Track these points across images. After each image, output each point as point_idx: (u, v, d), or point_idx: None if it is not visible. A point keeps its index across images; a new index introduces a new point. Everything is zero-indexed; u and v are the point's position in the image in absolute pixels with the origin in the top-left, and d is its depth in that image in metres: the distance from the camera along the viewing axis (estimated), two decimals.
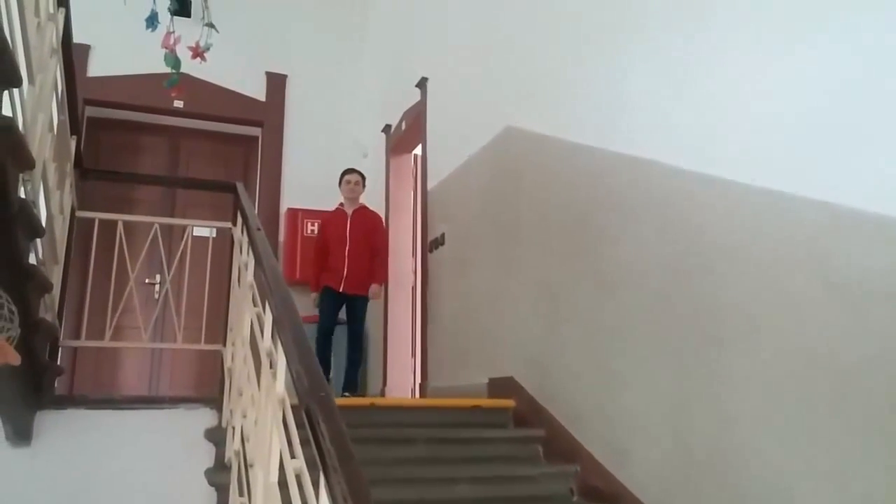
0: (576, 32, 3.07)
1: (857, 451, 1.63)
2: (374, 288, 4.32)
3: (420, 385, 4.46)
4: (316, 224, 5.70)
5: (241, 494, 1.85)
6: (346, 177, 4.49)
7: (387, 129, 5.43)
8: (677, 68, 2.39)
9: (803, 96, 1.87)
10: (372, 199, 5.69)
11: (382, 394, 4.84)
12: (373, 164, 5.54)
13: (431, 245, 4.46)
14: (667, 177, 2.38)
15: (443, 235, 4.29)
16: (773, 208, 1.92)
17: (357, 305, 4.32)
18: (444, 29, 4.63)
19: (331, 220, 4.48)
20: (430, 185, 4.56)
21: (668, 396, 2.31)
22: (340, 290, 4.25)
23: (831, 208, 1.74)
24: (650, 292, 2.43)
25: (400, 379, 4.89)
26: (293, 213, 5.74)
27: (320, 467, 1.00)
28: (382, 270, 4.51)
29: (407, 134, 5.06)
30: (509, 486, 2.61)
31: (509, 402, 3.11)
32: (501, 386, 3.28)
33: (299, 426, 1.34)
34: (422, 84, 4.72)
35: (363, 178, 4.54)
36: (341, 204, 4.51)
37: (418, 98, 4.77)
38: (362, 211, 4.47)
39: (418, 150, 5.00)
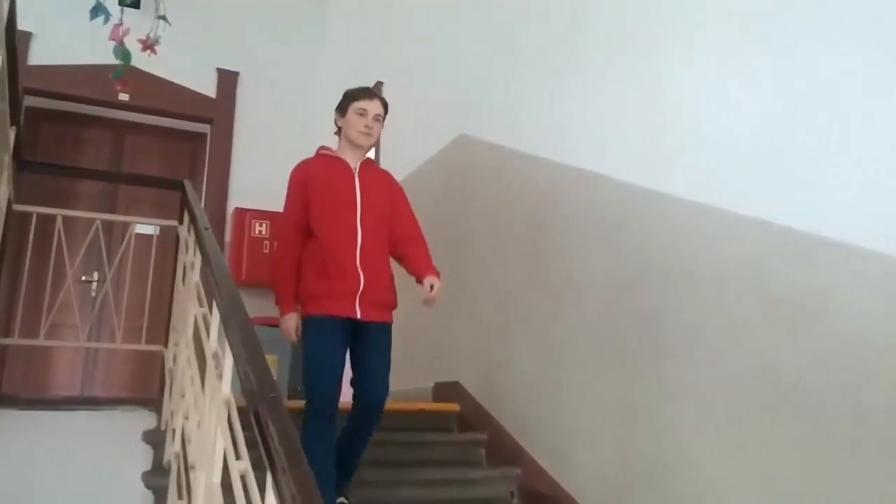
0: (529, 46, 3.12)
1: (786, 460, 1.70)
2: (432, 283, 2.38)
3: None
4: (265, 225, 5.62)
5: (180, 498, 1.82)
6: (361, 103, 2.45)
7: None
8: (631, 86, 2.46)
9: (748, 119, 1.95)
10: None
11: None
12: None
13: None
14: (618, 193, 2.44)
15: None
16: (716, 226, 2.00)
17: (376, 341, 2.35)
18: (402, 34, 4.65)
19: (321, 176, 2.46)
20: None
21: (611, 406, 2.36)
22: (356, 315, 2.29)
23: (771, 228, 1.82)
24: (598, 305, 2.48)
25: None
26: (241, 213, 5.65)
27: (268, 467, 1.00)
28: (427, 254, 2.52)
29: None
30: (451, 489, 2.63)
31: (454, 407, 3.14)
32: (447, 391, 3.30)
33: (244, 429, 1.33)
34: (377, 88, 4.71)
35: (385, 111, 2.53)
36: (328, 150, 2.56)
37: None
38: (372, 167, 2.57)
39: (371, 154, 4.99)
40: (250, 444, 1.25)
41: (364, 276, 2.32)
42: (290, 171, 2.56)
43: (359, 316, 2.30)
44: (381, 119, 2.49)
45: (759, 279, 1.84)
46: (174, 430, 2.18)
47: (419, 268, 2.44)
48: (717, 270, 1.98)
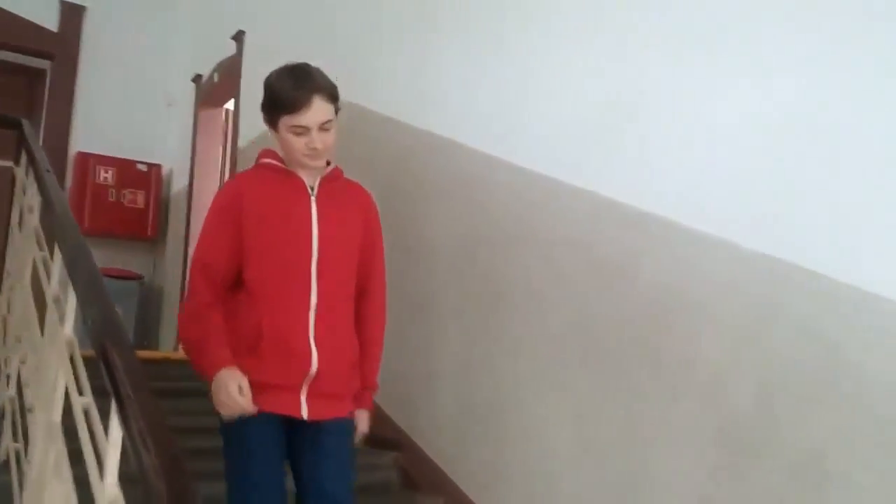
0: (395, 9, 3.19)
1: (592, 402, 1.95)
2: (362, 412, 1.80)
3: None
4: (111, 172, 5.33)
5: (15, 440, 1.78)
6: (295, 118, 1.67)
7: (197, 79, 5.20)
8: (486, 59, 2.60)
9: (588, 99, 2.14)
10: (180, 153, 5.45)
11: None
12: (179, 116, 5.29)
13: None
14: (468, 160, 2.59)
15: None
16: (552, 195, 2.19)
17: (330, 443, 1.68)
18: None
19: (262, 198, 1.74)
20: (242, 143, 4.47)
21: (456, 358, 2.54)
22: (301, 414, 1.65)
23: (599, 198, 2.03)
24: (448, 266, 2.64)
25: None
26: (84, 157, 5.32)
27: (113, 397, 1.04)
28: (377, 351, 1.86)
29: (219, 87, 4.89)
30: None
31: None
32: None
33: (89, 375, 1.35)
34: (238, 37, 4.58)
35: (336, 105, 1.74)
36: (274, 159, 1.79)
37: (234, 51, 4.63)
38: (338, 185, 1.83)
39: (230, 105, 4.86)
40: (97, 393, 1.27)
41: (319, 354, 1.63)
42: (217, 191, 1.78)
43: (305, 415, 1.63)
44: (330, 125, 1.69)
45: (586, 243, 2.05)
46: (8, 376, 2.10)
47: (363, 362, 1.79)
48: (550, 234, 2.18)
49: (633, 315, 1.88)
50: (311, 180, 1.76)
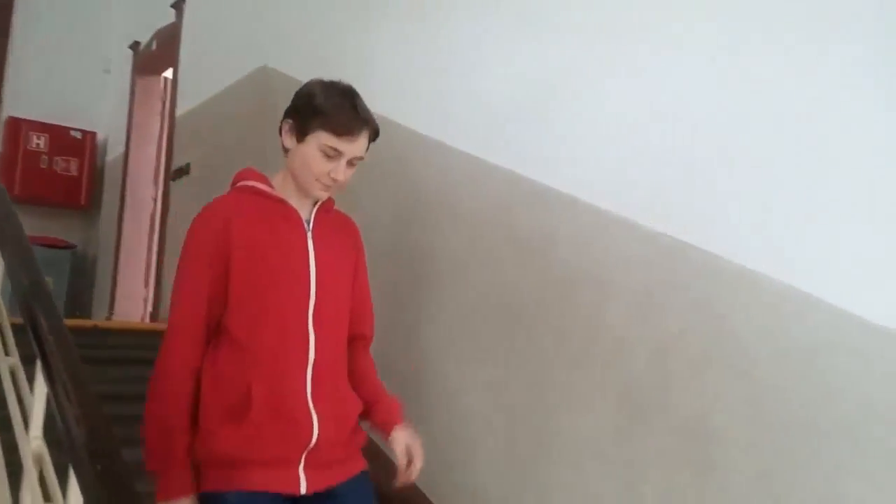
0: None
1: (510, 368, 2.08)
2: (409, 445, 1.57)
3: (151, 315, 4.39)
4: (43, 138, 5.21)
5: None
6: (338, 140, 1.50)
7: (135, 45, 5.10)
8: (425, 40, 2.66)
9: (505, 78, 2.24)
10: (116, 121, 5.35)
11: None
12: (115, 83, 5.19)
13: (175, 174, 4.36)
14: (403, 138, 2.66)
15: (188, 165, 4.22)
16: (475, 174, 2.29)
17: None
18: None
19: (251, 231, 1.49)
20: (179, 111, 4.43)
21: (382, 331, 2.63)
22: (301, 489, 1.41)
23: (515, 178, 2.14)
24: (378, 241, 2.72)
25: (129, 308, 4.75)
26: (15, 122, 5.18)
27: (38, 354, 1.10)
28: (387, 395, 1.69)
29: (157, 55, 4.82)
30: None
31: None
32: None
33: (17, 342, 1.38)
34: (178, 5, 4.52)
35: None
36: (260, 182, 1.58)
37: (173, 19, 4.56)
38: (331, 216, 1.67)
39: (169, 74, 4.80)
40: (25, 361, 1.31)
41: (320, 421, 1.41)
42: (193, 221, 1.50)
43: (303, 490, 1.40)
44: (357, 163, 1.56)
45: (506, 222, 2.17)
46: None
47: (378, 406, 1.58)
48: (475, 214, 2.29)
49: (545, 289, 2.00)
50: (305, 211, 1.55)
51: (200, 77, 4.21)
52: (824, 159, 1.49)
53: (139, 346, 2.92)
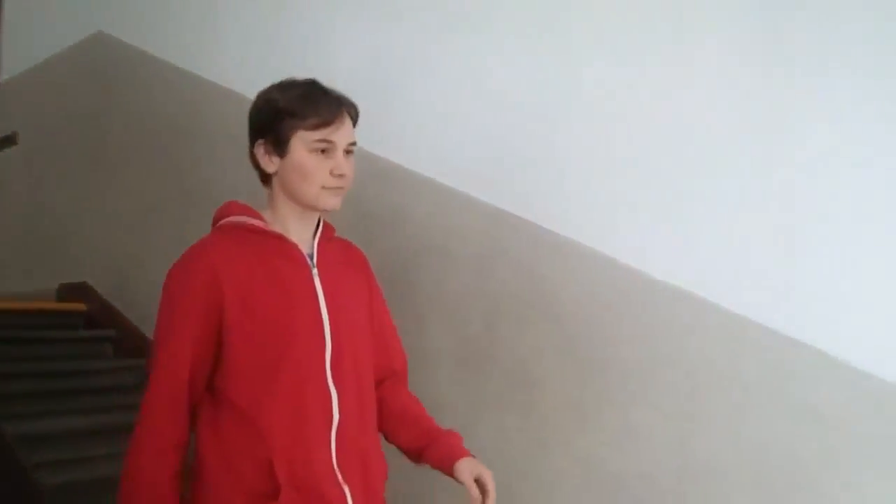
0: None
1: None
2: (481, 475, 1.25)
3: None
4: None
5: None
6: (322, 131, 1.26)
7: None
8: (276, 17, 2.73)
9: (355, 56, 2.39)
10: None
11: None
12: None
13: (1, 143, 4.07)
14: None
15: (15, 134, 3.95)
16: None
17: None
18: None
19: (247, 277, 1.23)
20: (3, 77, 4.13)
21: None
22: None
23: (364, 155, 2.29)
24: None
25: None
26: None
27: None
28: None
29: None
30: (79, 380, 2.74)
31: (80, 306, 3.17)
32: (73, 291, 3.30)
33: None
34: None
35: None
36: (248, 216, 1.31)
37: None
38: (333, 245, 1.41)
39: None
40: None
41: (352, 491, 1.23)
42: (169, 273, 1.27)
43: None
44: (353, 151, 1.33)
45: (357, 197, 2.29)
46: None
47: (434, 446, 1.32)
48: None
49: (395, 259, 2.20)
50: (306, 245, 1.32)
51: (27, 41, 3.94)
52: (631, 130, 1.79)
53: None
